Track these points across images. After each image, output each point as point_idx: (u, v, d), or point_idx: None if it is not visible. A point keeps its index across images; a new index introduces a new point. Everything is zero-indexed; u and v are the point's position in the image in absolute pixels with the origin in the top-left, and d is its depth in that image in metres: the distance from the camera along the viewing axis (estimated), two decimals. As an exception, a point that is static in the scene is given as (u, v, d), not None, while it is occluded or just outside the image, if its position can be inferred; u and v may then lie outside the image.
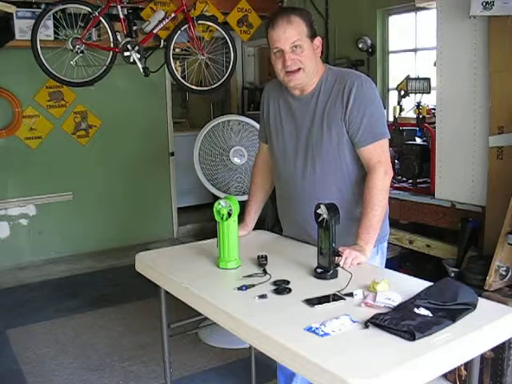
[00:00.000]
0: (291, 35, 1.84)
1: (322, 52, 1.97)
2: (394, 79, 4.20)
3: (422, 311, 1.35)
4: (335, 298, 1.50)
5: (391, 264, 2.11)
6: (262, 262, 1.81)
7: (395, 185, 3.39)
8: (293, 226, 2.12)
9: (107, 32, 3.85)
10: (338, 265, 1.68)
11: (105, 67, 3.85)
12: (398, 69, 4.30)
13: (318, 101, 1.94)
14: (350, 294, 1.51)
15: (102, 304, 3.99)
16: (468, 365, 1.47)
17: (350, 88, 1.88)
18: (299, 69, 1.88)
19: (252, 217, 2.23)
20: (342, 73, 1.98)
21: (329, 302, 1.48)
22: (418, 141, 3.44)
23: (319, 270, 1.69)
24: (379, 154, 1.90)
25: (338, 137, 1.92)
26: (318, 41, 1.92)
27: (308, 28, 1.87)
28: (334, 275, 1.66)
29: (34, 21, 3.71)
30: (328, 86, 1.94)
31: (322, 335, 1.29)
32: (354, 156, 1.95)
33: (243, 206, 2.11)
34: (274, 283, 1.63)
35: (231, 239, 1.81)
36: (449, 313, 1.34)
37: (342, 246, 1.74)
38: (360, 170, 1.96)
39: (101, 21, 3.78)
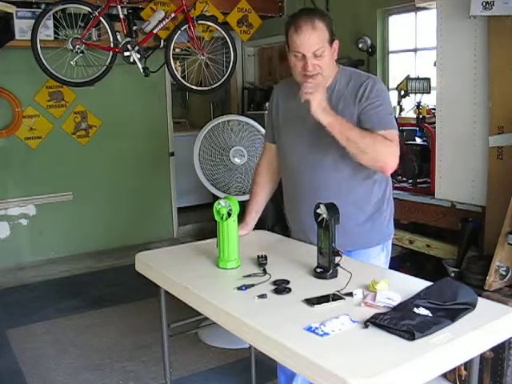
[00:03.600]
0: (315, 43, 1.86)
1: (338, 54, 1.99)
2: (394, 79, 4.20)
3: (422, 311, 1.35)
4: (335, 297, 1.50)
5: (391, 264, 2.11)
6: (261, 261, 1.81)
7: (395, 185, 3.38)
8: (300, 223, 2.11)
9: (107, 32, 3.84)
10: (337, 264, 1.68)
11: (105, 67, 3.85)
12: (398, 69, 4.30)
13: (333, 97, 1.96)
14: (350, 294, 1.51)
15: (102, 304, 3.99)
16: (468, 365, 1.47)
17: (366, 86, 1.92)
18: (318, 73, 1.91)
19: (253, 216, 2.23)
20: (356, 73, 2.02)
21: (328, 301, 1.48)
22: (418, 141, 3.44)
23: (319, 270, 1.69)
24: (393, 138, 1.87)
25: None
26: (336, 44, 1.95)
27: (329, 33, 1.90)
28: (334, 275, 1.66)
29: (34, 21, 3.71)
30: (342, 84, 1.97)
31: (321, 335, 1.29)
32: None
33: (243, 206, 2.11)
34: (274, 283, 1.63)
35: (231, 239, 1.81)
36: (448, 313, 1.34)
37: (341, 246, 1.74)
38: (370, 169, 1.97)
39: (101, 21, 3.78)
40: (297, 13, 1.95)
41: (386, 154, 1.84)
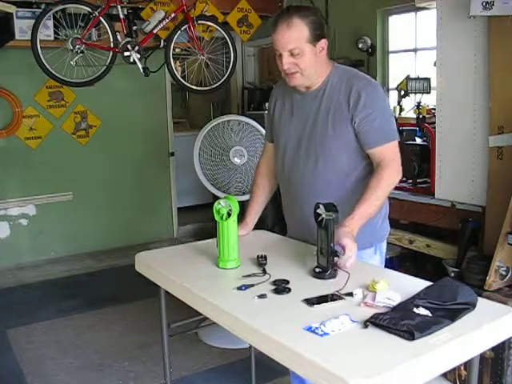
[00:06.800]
0: (289, 42, 1.84)
1: (328, 52, 1.96)
2: (394, 79, 4.20)
3: (422, 311, 1.35)
4: (335, 297, 1.50)
5: (391, 264, 2.11)
6: (261, 261, 1.81)
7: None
8: (296, 224, 2.12)
9: (107, 32, 3.85)
10: (337, 264, 1.68)
11: (105, 67, 3.85)
12: (398, 69, 4.29)
13: (324, 98, 1.95)
14: (350, 294, 1.51)
15: (102, 304, 3.99)
16: (468, 365, 1.47)
17: (360, 91, 1.87)
18: (296, 72, 1.89)
19: (252, 216, 2.22)
20: (350, 73, 1.98)
21: (328, 301, 1.48)
22: (418, 141, 3.44)
23: (318, 270, 1.69)
24: (393, 153, 1.89)
25: (342, 136, 1.92)
26: (323, 43, 1.89)
27: (310, 31, 1.84)
28: (333, 275, 1.66)
29: (34, 21, 3.71)
30: (335, 84, 1.94)
31: (321, 335, 1.29)
32: (357, 156, 1.95)
33: (243, 206, 2.11)
34: (274, 283, 1.63)
35: (231, 239, 1.81)
36: (448, 312, 1.34)
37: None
38: (362, 171, 1.97)
39: (101, 21, 3.78)
40: (281, 10, 1.93)
41: (394, 181, 1.88)
